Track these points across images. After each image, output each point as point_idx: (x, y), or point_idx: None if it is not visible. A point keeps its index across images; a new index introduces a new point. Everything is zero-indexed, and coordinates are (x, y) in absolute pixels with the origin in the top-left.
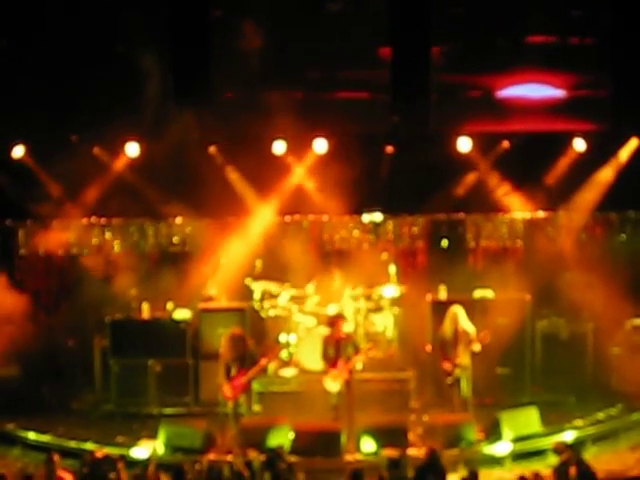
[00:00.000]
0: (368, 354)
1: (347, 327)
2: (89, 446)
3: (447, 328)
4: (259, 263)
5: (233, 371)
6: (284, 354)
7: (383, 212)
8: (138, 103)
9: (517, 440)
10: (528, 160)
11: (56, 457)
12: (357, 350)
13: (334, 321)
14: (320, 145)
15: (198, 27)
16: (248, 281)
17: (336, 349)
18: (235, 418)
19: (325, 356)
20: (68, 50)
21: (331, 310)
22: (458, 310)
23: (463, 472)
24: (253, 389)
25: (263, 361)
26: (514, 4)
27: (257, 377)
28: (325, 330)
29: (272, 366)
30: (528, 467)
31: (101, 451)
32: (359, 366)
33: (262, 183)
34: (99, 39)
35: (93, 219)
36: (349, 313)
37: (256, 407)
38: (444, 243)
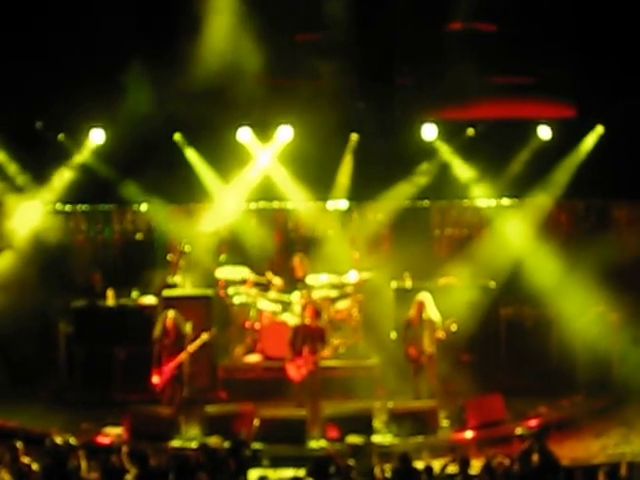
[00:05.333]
0: (336, 349)
1: (320, 318)
2: (52, 433)
3: (413, 315)
4: (223, 258)
5: (163, 356)
6: (206, 338)
7: (348, 199)
8: (104, 89)
9: (482, 427)
10: (493, 147)
11: (19, 444)
12: (325, 343)
13: (306, 310)
14: (285, 132)
15: (165, 13)
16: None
17: (304, 339)
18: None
19: (293, 344)
20: (33, 36)
21: (295, 298)
22: (425, 297)
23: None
24: (219, 376)
25: (190, 347)
26: None
27: (185, 364)
28: (292, 318)
29: (238, 352)
30: (492, 454)
31: (60, 437)
32: (325, 359)
33: (227, 170)
34: (66, 25)
35: (58, 206)
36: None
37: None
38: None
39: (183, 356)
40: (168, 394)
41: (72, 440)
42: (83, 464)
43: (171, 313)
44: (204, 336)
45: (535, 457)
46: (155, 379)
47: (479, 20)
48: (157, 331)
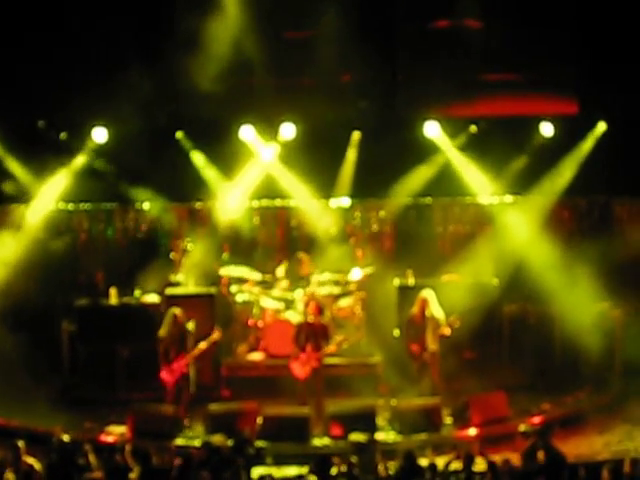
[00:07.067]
0: (340, 346)
1: (323, 315)
2: (57, 432)
3: (416, 312)
4: (226, 256)
5: (171, 354)
6: (219, 338)
7: (350, 197)
8: (106, 88)
9: (485, 424)
10: (495, 144)
11: (20, 443)
12: (329, 340)
13: (309, 307)
14: (288, 130)
15: (166, 13)
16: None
17: (307, 336)
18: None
19: (296, 342)
20: (35, 36)
21: (298, 295)
22: (428, 294)
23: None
24: (222, 374)
25: (202, 345)
26: None
27: (195, 361)
28: (295, 315)
29: (241, 350)
30: (497, 452)
31: (67, 435)
32: (328, 356)
33: (230, 168)
34: (68, 24)
35: (61, 204)
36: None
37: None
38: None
39: (195, 353)
40: (173, 392)
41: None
42: (92, 458)
43: (177, 310)
44: (215, 335)
45: (541, 454)
46: (165, 376)
47: (473, 16)
48: (164, 329)
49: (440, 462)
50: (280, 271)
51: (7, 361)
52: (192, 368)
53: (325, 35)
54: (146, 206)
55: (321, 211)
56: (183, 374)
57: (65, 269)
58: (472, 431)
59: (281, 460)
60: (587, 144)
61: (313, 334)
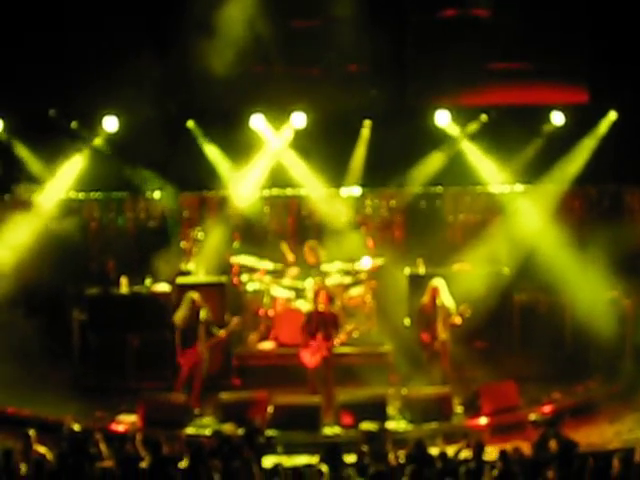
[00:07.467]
0: (350, 335)
1: (334, 304)
2: (68, 420)
3: (427, 301)
4: (236, 245)
5: (189, 339)
6: (239, 326)
7: (361, 186)
8: (116, 76)
9: (496, 413)
10: (506, 133)
11: (31, 432)
12: (339, 329)
13: (319, 296)
14: (298, 119)
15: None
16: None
17: (317, 325)
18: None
19: (307, 331)
20: (48, 26)
21: (309, 284)
22: (439, 284)
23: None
24: (233, 363)
25: (222, 332)
26: None
27: (212, 347)
28: (305, 304)
29: (252, 339)
30: (507, 441)
31: (78, 424)
32: (338, 345)
33: (240, 157)
34: (80, 14)
35: (72, 193)
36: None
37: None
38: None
39: (215, 340)
40: (184, 379)
41: (89, 425)
42: (103, 447)
43: (195, 295)
44: (235, 322)
45: (553, 444)
46: (182, 361)
47: (483, 5)
48: (180, 314)
49: (450, 451)
50: (289, 262)
51: (19, 349)
52: (207, 355)
53: (335, 24)
54: (157, 195)
55: (332, 200)
56: (199, 360)
57: (76, 258)
58: (483, 420)
59: (292, 449)
60: (598, 133)
61: (323, 323)
